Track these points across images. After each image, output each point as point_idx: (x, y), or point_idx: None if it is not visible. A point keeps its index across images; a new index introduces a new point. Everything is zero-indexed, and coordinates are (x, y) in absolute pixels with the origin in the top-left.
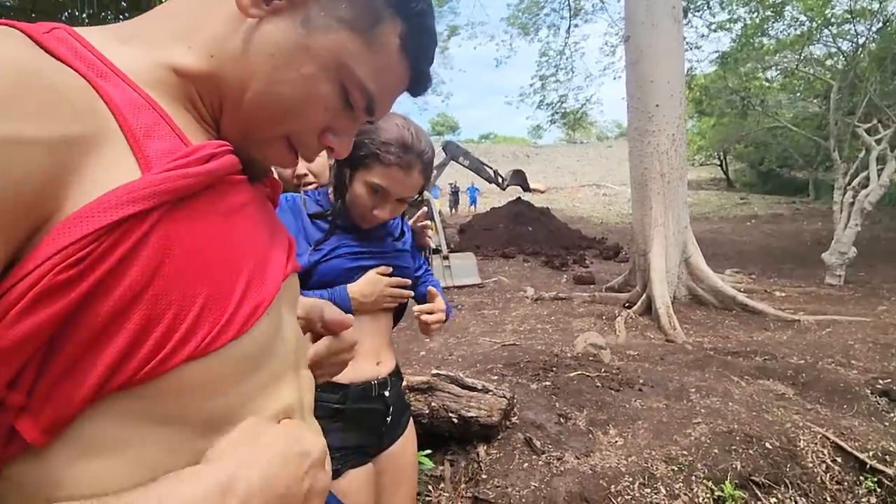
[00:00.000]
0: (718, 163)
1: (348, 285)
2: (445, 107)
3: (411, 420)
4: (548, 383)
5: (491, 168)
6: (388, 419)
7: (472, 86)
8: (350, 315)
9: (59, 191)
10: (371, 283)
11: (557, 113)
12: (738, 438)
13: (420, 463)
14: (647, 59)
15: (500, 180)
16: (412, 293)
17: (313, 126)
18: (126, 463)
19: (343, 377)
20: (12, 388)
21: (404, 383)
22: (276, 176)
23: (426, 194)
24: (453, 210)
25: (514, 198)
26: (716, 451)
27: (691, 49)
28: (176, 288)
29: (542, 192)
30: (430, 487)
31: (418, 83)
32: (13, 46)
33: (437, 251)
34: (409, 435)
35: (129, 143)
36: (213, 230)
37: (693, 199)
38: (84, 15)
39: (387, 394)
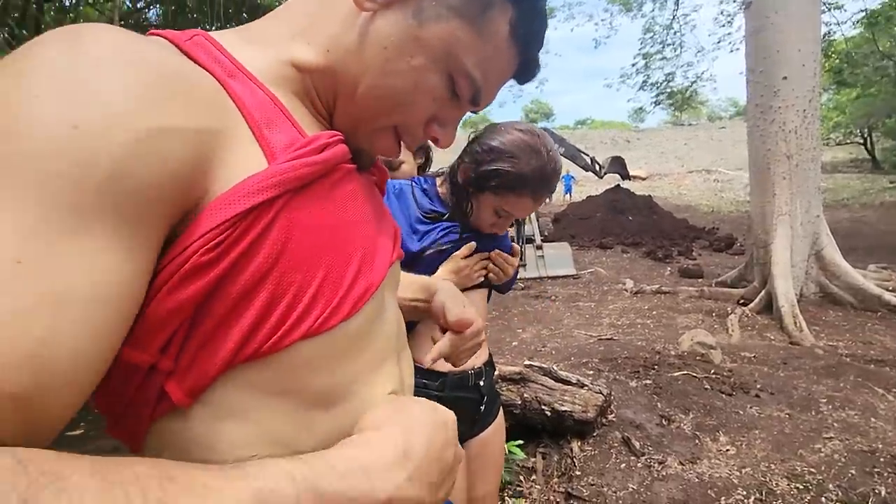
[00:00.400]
0: (861, 141)
1: (432, 277)
2: (539, 93)
3: (501, 408)
4: (648, 382)
5: (588, 155)
6: (482, 408)
7: (568, 70)
8: (471, 312)
9: (203, 179)
10: (455, 270)
11: (663, 93)
12: (882, 460)
13: (511, 452)
14: (772, 25)
15: (597, 168)
16: (495, 267)
17: (420, 117)
18: (251, 428)
19: (442, 365)
20: (163, 354)
21: (496, 373)
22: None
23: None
24: (548, 199)
25: (613, 185)
26: (852, 471)
27: (829, 10)
28: (296, 269)
29: (644, 180)
30: (521, 478)
31: (527, 69)
32: (161, 53)
33: (530, 241)
34: (499, 423)
35: (255, 136)
36: (329, 216)
37: (828, 184)
38: (213, 28)
39: (482, 383)
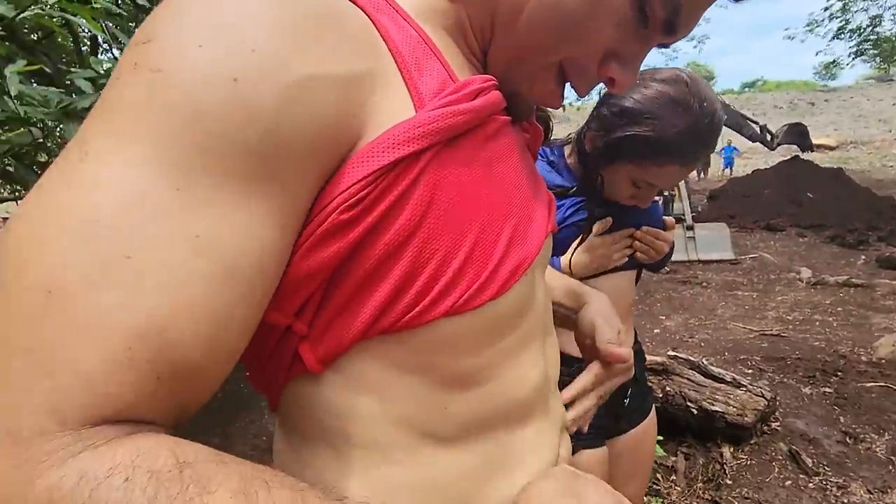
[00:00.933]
0: None
1: (562, 259)
2: (697, 54)
3: (654, 408)
4: (828, 390)
5: (756, 123)
6: (626, 401)
7: (735, 24)
8: (626, 348)
9: (354, 129)
10: (589, 250)
11: (867, 41)
12: None
13: None
14: None
15: (768, 138)
16: (640, 246)
17: (596, 49)
18: (383, 404)
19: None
20: (298, 317)
21: None
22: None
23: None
24: (702, 174)
25: (789, 157)
26: None
27: None
28: (440, 236)
29: (832, 150)
30: (658, 476)
31: None
32: None
33: (679, 220)
34: (650, 423)
35: (405, 80)
36: (479, 176)
37: None
38: None
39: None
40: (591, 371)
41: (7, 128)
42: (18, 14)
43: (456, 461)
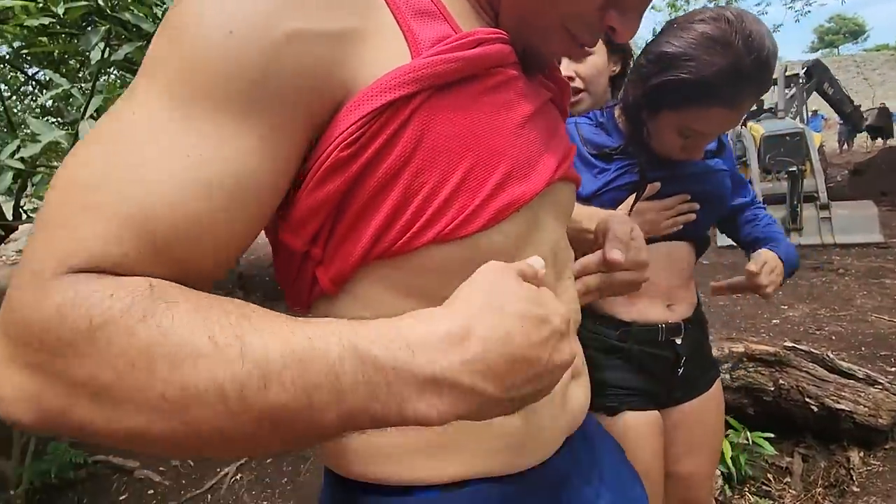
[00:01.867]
0: None
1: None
2: (842, 5)
3: (719, 383)
4: None
5: (851, 103)
6: (680, 370)
7: None
8: (626, 259)
9: (343, 79)
10: (637, 215)
11: None
12: None
13: (758, 446)
14: None
15: (856, 120)
16: (693, 216)
17: (594, 3)
18: None
19: (626, 314)
20: (313, 243)
21: (742, 349)
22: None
23: (800, 126)
24: (846, 146)
25: None
26: None
27: None
28: (429, 170)
29: None
30: (769, 476)
31: None
32: None
33: (811, 198)
34: (713, 397)
35: (403, 31)
36: (475, 119)
37: None
38: None
39: (678, 341)
40: (594, 278)
41: None
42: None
43: None
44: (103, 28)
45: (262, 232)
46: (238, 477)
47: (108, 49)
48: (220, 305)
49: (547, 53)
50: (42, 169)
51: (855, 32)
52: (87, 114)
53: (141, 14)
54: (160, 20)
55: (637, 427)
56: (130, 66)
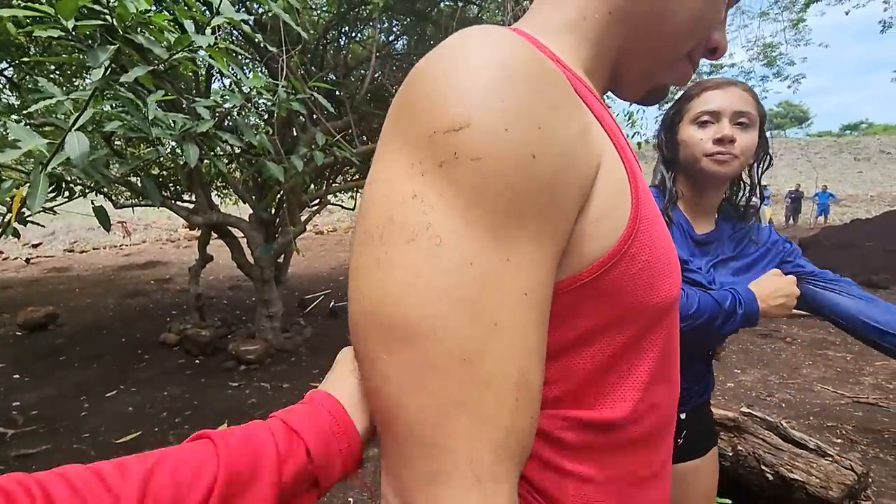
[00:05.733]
0: None
1: (752, 284)
2: (792, 94)
3: (716, 451)
4: None
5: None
6: (680, 440)
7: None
8: None
9: (595, 165)
10: (778, 284)
11: None
12: None
13: None
14: None
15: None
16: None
17: (710, 28)
18: None
19: None
20: None
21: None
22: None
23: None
24: (791, 220)
25: None
26: None
27: None
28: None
29: None
30: None
31: None
32: (534, 52)
33: None
34: (708, 463)
35: (607, 132)
36: (663, 230)
37: None
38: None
39: (682, 416)
40: None
41: (138, 146)
42: (172, 56)
43: None
44: (112, 48)
45: (220, 257)
46: None
47: (110, 67)
48: None
49: (673, 83)
50: (14, 174)
51: (800, 118)
52: (76, 126)
53: (153, 38)
54: (173, 46)
55: None
56: (136, 88)
